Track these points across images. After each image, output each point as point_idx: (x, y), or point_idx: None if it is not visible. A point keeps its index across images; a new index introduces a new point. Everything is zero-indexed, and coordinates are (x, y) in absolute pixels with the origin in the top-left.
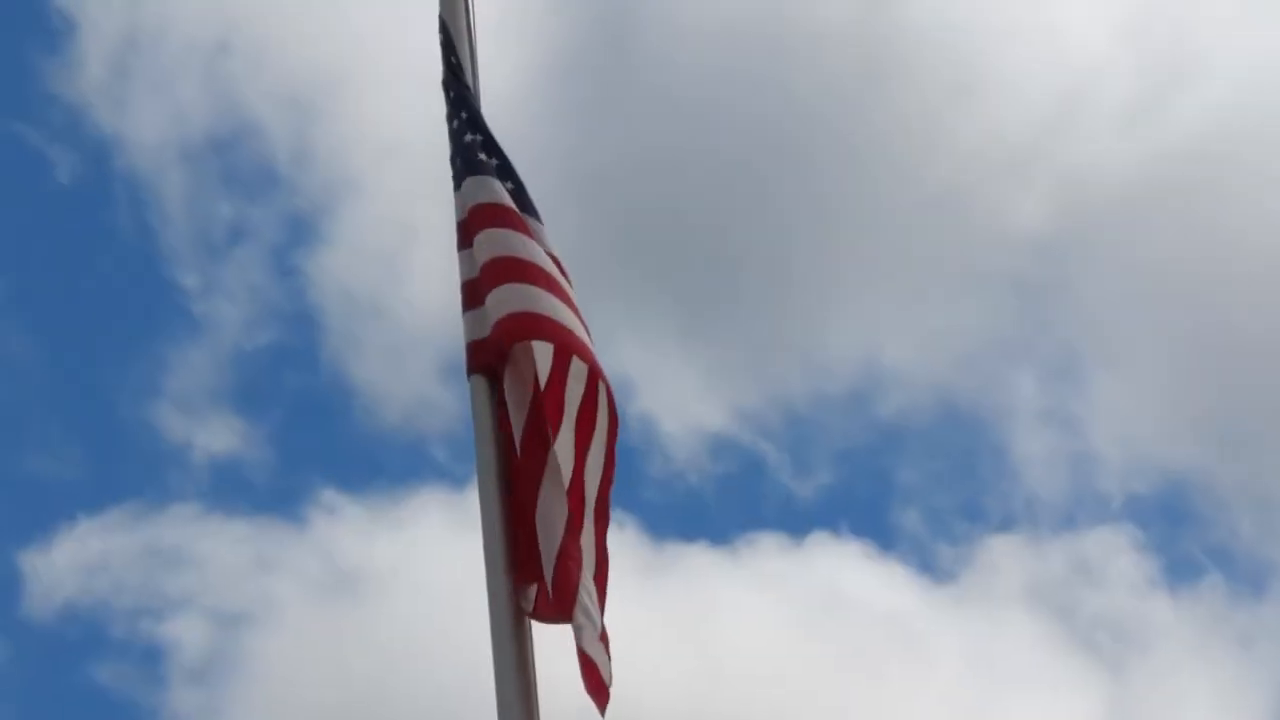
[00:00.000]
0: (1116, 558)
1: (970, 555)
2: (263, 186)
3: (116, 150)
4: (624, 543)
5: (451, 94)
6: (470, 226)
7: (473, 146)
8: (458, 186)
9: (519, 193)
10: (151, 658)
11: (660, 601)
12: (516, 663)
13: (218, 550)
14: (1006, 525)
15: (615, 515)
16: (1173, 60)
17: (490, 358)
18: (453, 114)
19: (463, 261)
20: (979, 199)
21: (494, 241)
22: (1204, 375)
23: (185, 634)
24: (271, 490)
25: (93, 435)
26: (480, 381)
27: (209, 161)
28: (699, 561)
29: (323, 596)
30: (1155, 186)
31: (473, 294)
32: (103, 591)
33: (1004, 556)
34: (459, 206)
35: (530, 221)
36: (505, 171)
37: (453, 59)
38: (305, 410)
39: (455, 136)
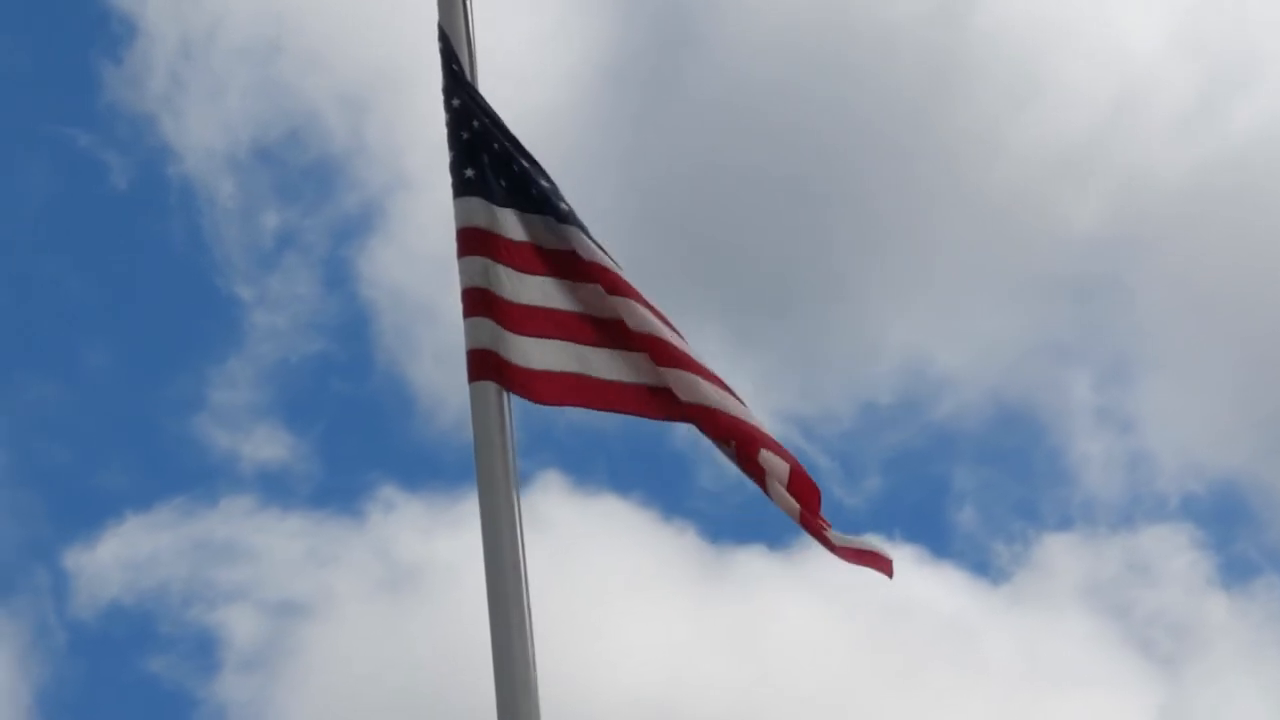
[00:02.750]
0: (1172, 557)
1: (1026, 555)
2: (316, 188)
3: (172, 154)
4: (683, 548)
5: (456, 102)
6: (513, 257)
7: (498, 163)
8: (460, 194)
9: (547, 199)
10: (205, 647)
11: (717, 606)
12: (517, 663)
13: (275, 543)
14: (1062, 525)
15: (672, 521)
16: (1230, 65)
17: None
18: (460, 123)
19: (464, 269)
20: (1034, 203)
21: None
22: (1259, 378)
23: (240, 624)
24: (330, 487)
25: (147, 442)
26: (481, 389)
27: (262, 163)
28: (755, 568)
29: (380, 591)
30: (1211, 190)
31: (473, 302)
32: (159, 584)
33: (1059, 556)
34: (461, 215)
35: (572, 233)
36: (536, 171)
37: (454, 66)
38: (363, 411)
39: (466, 146)
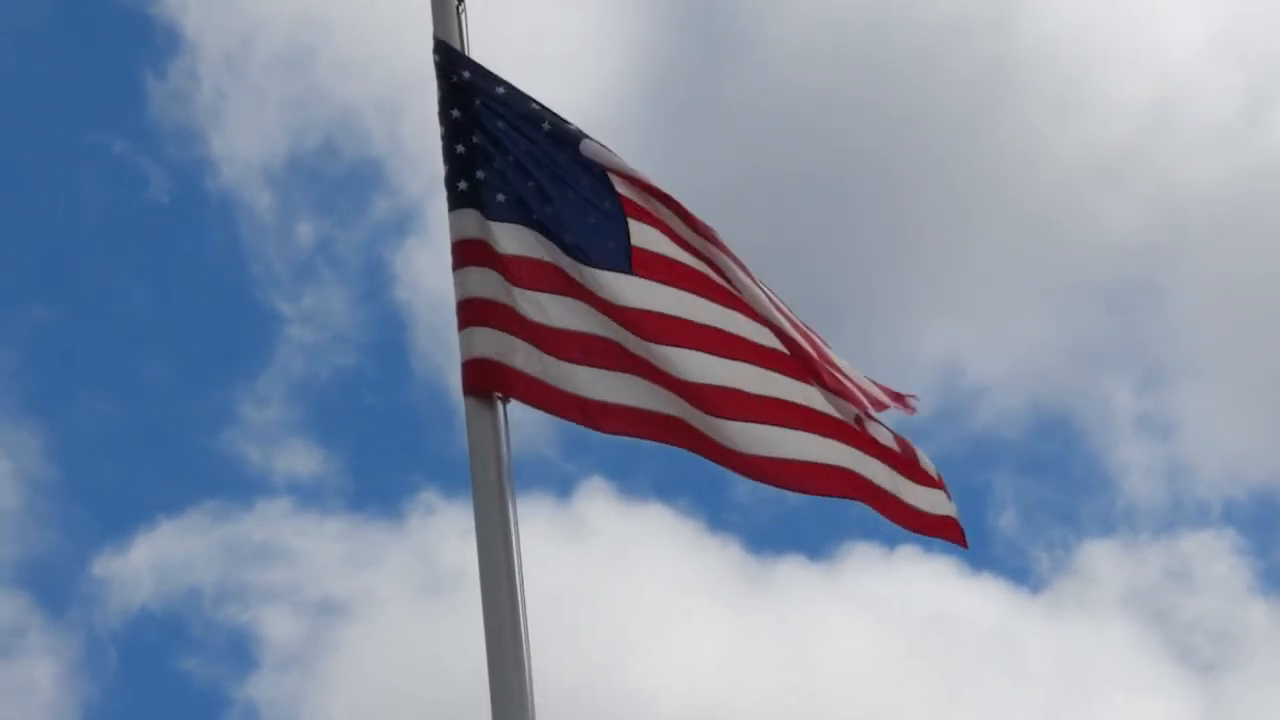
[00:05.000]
0: (1213, 564)
1: (1066, 563)
2: (353, 196)
3: (211, 165)
4: (726, 558)
5: (456, 114)
6: (514, 273)
7: (502, 176)
8: (454, 207)
9: (557, 222)
10: (241, 648)
11: (759, 617)
12: (511, 676)
13: (313, 546)
14: (1102, 532)
15: (715, 530)
16: (1269, 74)
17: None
18: (456, 136)
19: (458, 281)
20: (1072, 210)
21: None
22: None
23: (277, 625)
24: (370, 491)
25: (186, 455)
26: (475, 401)
27: (300, 172)
28: (796, 579)
29: (420, 595)
30: (1249, 198)
31: (468, 314)
32: (198, 586)
33: (1100, 563)
34: (455, 228)
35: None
36: (556, 184)
37: (453, 78)
38: (402, 417)
39: (461, 160)
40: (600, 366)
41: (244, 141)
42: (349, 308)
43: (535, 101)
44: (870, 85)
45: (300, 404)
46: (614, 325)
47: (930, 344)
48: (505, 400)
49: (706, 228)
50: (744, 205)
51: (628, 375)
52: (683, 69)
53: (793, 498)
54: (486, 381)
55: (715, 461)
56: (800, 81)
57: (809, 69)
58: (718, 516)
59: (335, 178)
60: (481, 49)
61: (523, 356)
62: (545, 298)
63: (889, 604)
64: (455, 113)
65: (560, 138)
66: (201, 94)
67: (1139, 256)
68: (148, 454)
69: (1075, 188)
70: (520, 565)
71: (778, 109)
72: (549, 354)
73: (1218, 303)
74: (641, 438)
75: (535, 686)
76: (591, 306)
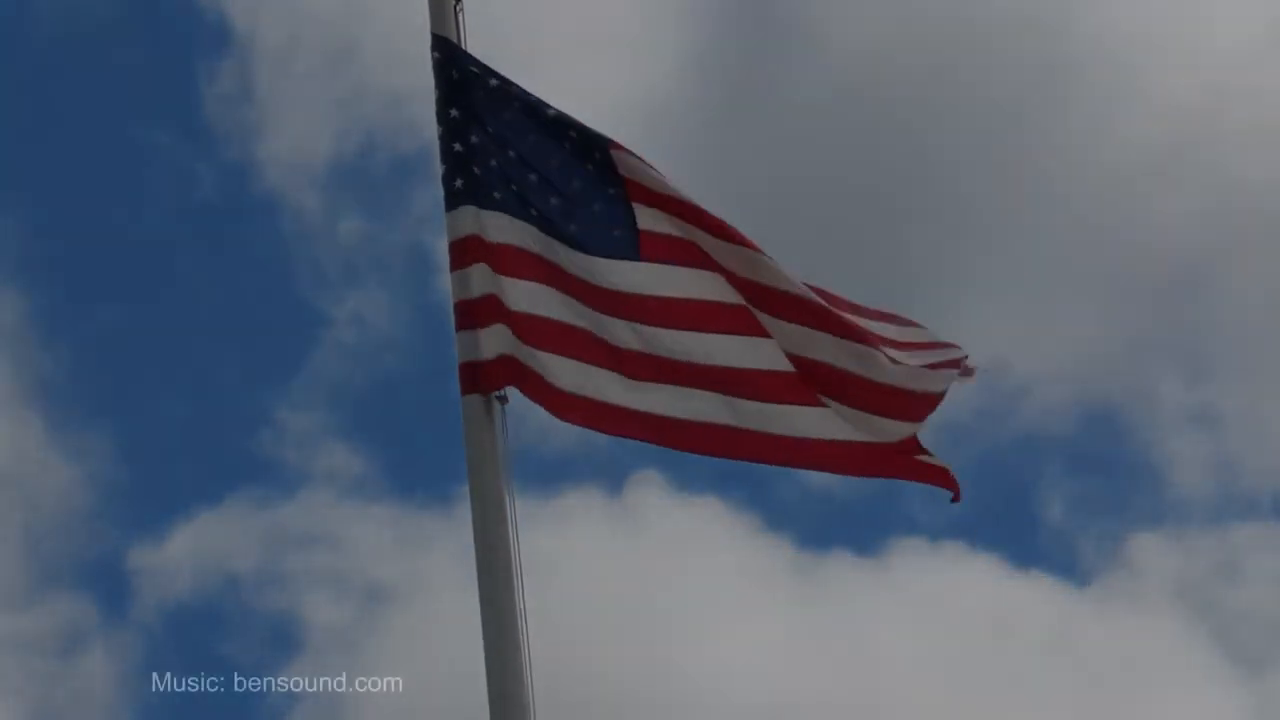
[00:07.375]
0: (1261, 556)
1: (1114, 556)
2: (399, 189)
3: (256, 164)
4: (778, 554)
5: (455, 113)
6: (503, 263)
7: (502, 173)
8: (452, 207)
9: (566, 207)
10: (287, 632)
11: (812, 614)
12: (509, 677)
13: (361, 532)
14: (1150, 525)
15: (770, 530)
16: None
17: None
18: (454, 135)
19: (456, 282)
20: (1122, 206)
21: (535, 297)
22: None
23: (323, 611)
24: (418, 480)
25: (229, 456)
26: (472, 402)
27: (346, 170)
28: (848, 575)
29: (466, 585)
30: None
31: (464, 315)
32: (246, 570)
33: (1148, 556)
34: (453, 228)
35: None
36: (546, 185)
37: (454, 73)
38: (449, 413)
39: (458, 158)
40: (573, 358)
41: (289, 140)
42: (394, 303)
43: (533, 96)
44: (921, 81)
45: (349, 399)
46: (602, 316)
47: (978, 339)
48: (504, 401)
49: (714, 220)
50: (791, 199)
51: (602, 369)
52: (731, 63)
53: (841, 493)
54: (482, 383)
55: (699, 452)
56: (849, 79)
57: (860, 64)
58: (773, 511)
59: (381, 171)
60: (481, 50)
61: (520, 355)
62: (538, 288)
63: (936, 598)
64: (454, 111)
65: (561, 127)
66: (248, 89)
67: (1188, 251)
68: (203, 454)
69: (1126, 183)
70: (519, 567)
71: (826, 104)
72: (536, 348)
73: (1267, 297)
74: (602, 431)
75: (538, 688)
76: (578, 299)
